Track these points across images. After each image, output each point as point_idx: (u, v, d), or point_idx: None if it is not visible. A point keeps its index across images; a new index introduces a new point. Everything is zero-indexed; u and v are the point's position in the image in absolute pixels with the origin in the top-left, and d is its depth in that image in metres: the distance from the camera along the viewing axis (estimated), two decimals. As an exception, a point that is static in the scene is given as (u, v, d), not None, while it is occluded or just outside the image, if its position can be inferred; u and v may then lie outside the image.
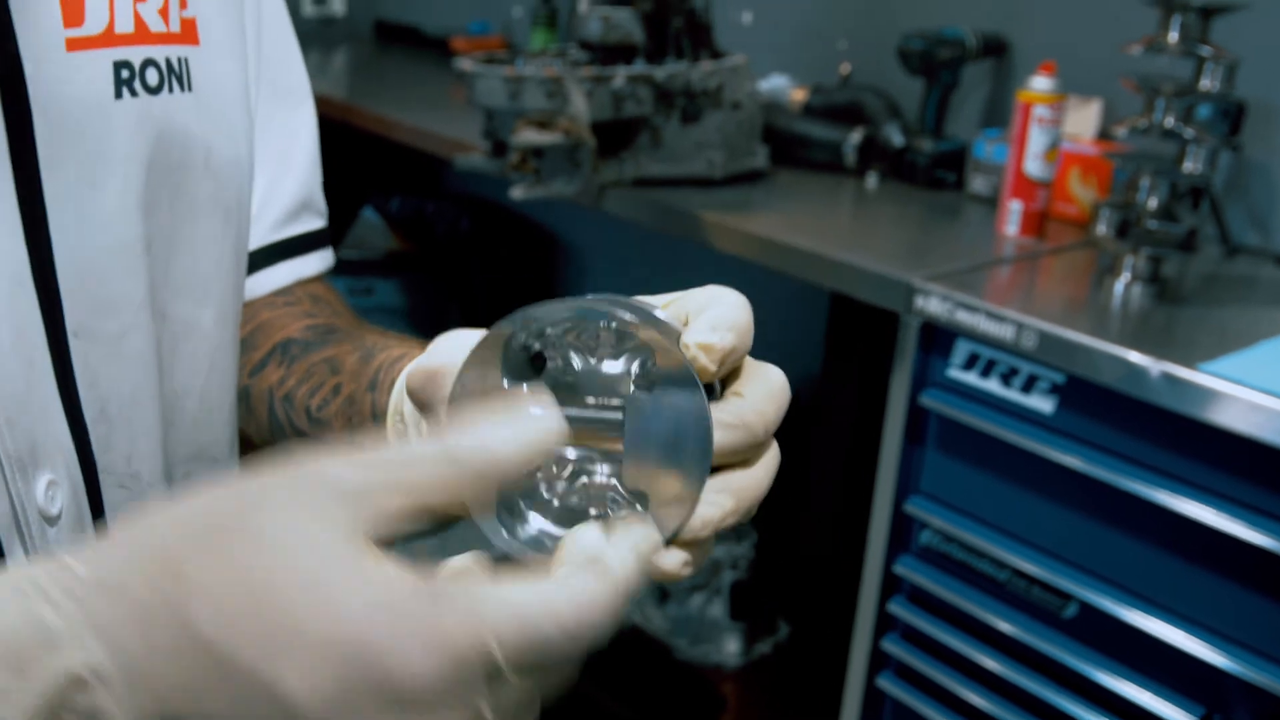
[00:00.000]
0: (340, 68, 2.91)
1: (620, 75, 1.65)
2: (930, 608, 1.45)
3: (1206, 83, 1.36)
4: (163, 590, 0.34)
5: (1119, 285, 1.41)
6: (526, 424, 0.37)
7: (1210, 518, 1.16)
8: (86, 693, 0.33)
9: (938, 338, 1.37)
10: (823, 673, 1.72)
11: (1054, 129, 1.57)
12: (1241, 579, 1.18)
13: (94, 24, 0.51)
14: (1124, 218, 1.40)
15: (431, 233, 2.87)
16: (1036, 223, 1.60)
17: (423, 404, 0.49)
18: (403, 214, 2.89)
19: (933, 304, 1.35)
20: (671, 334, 0.41)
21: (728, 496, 0.41)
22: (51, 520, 0.51)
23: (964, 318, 1.32)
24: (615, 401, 0.42)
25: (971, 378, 1.34)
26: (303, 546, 0.34)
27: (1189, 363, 1.16)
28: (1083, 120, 1.75)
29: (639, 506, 0.42)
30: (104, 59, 0.51)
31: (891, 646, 1.49)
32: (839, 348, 1.77)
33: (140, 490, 0.56)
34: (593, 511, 0.43)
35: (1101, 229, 1.41)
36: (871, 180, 1.86)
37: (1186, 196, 1.45)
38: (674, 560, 0.41)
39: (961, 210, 1.77)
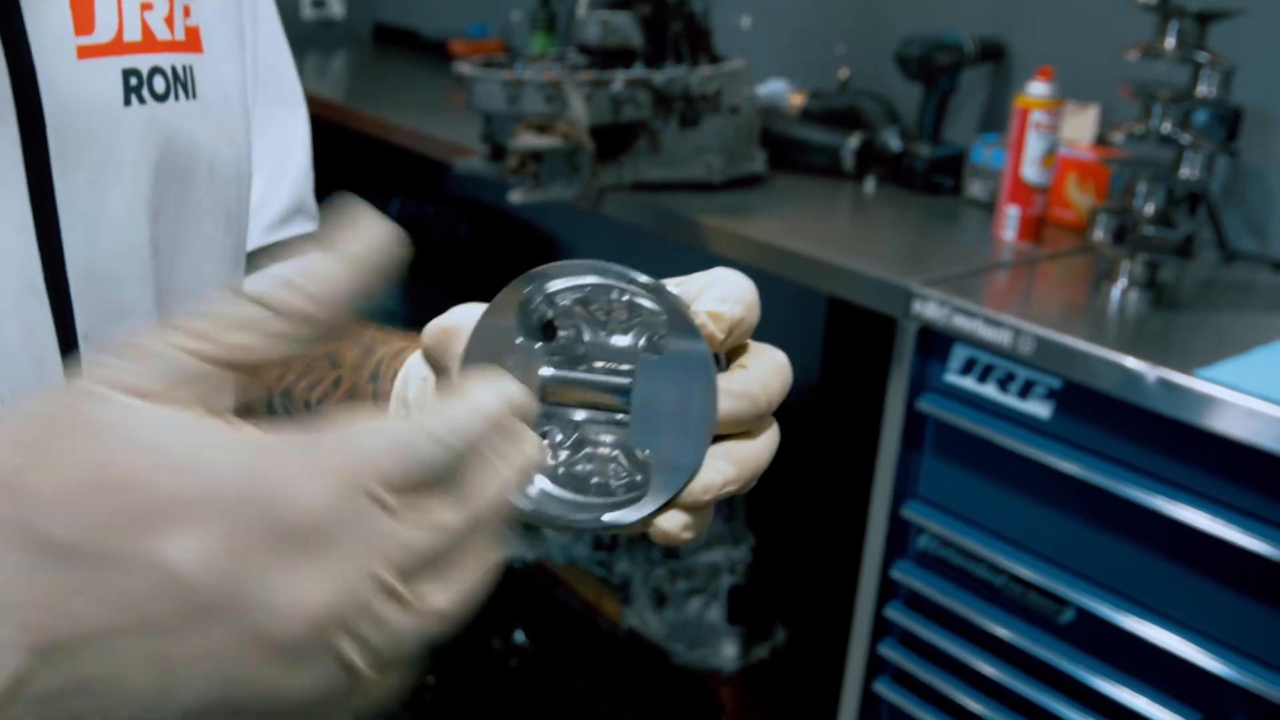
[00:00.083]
0: (339, 70, 2.92)
1: (619, 79, 1.65)
2: (927, 612, 1.45)
3: (1203, 89, 1.36)
4: (2, 513, 0.30)
5: (1116, 291, 1.42)
6: (344, 254, 0.35)
7: (1206, 523, 1.16)
8: None
9: (935, 343, 1.38)
10: (820, 677, 1.72)
11: (1051, 134, 1.57)
12: (1237, 585, 1.18)
13: (104, 32, 0.51)
14: (1121, 223, 1.40)
15: (430, 236, 2.87)
16: (1034, 228, 1.60)
17: (436, 361, 0.49)
18: (402, 217, 2.90)
19: (930, 309, 1.35)
20: (682, 301, 0.42)
21: (729, 464, 0.42)
22: None
23: (961, 323, 1.32)
24: (624, 367, 0.43)
25: (969, 383, 1.35)
26: (149, 422, 0.32)
27: (1185, 368, 1.16)
28: (1080, 126, 1.75)
29: (644, 467, 0.42)
30: (113, 67, 0.52)
31: (888, 651, 1.49)
32: (837, 352, 1.77)
33: None
34: (595, 479, 0.44)
35: (1098, 234, 1.41)
36: (869, 185, 1.86)
37: (1183, 202, 1.45)
38: (675, 521, 0.42)
39: (959, 215, 1.77)
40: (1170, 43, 1.36)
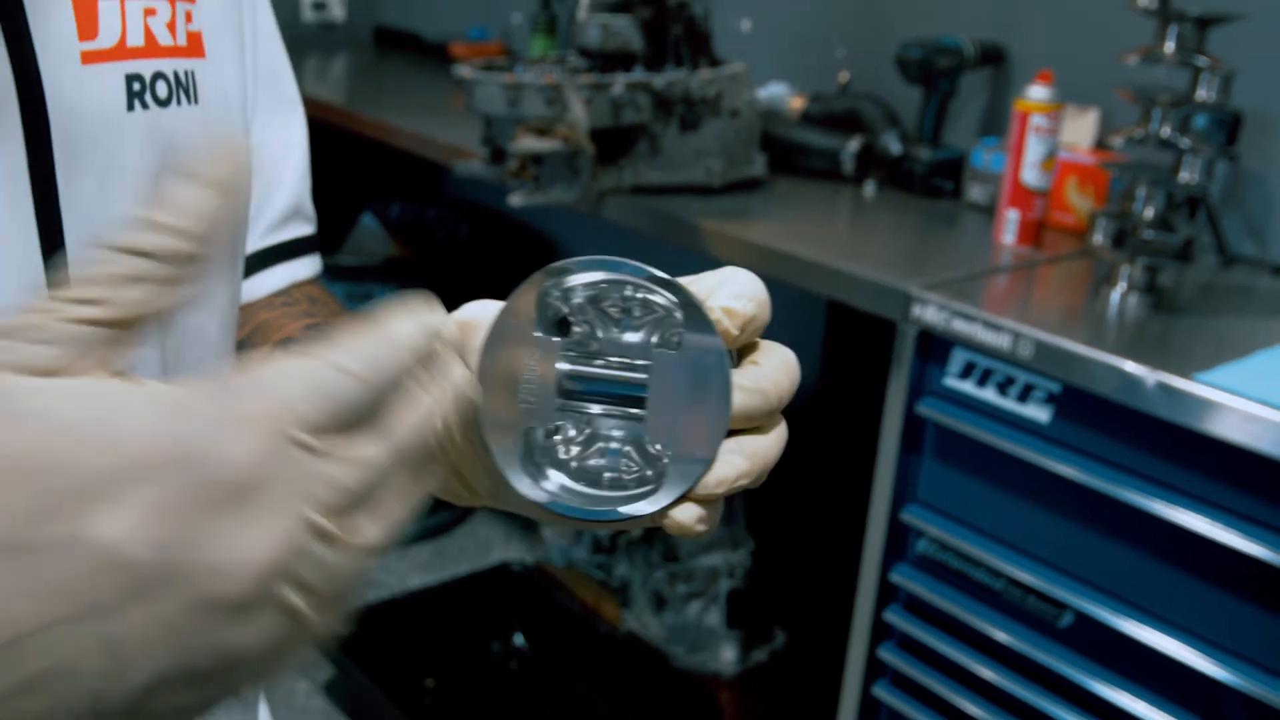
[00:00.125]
0: (340, 73, 2.92)
1: (619, 83, 1.65)
2: (926, 616, 1.45)
3: (1203, 93, 1.37)
4: None
5: (1115, 295, 1.42)
6: (209, 180, 0.34)
7: (1205, 528, 1.16)
8: None
9: (934, 346, 1.38)
10: (819, 681, 1.72)
11: (1051, 138, 1.57)
12: (1236, 589, 1.18)
13: (107, 37, 0.52)
14: (1120, 227, 1.40)
15: (431, 239, 2.87)
16: (1033, 232, 1.60)
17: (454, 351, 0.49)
18: (402, 220, 2.90)
19: (929, 313, 1.35)
20: (697, 297, 0.43)
21: (742, 458, 0.43)
22: None
23: (961, 326, 1.32)
24: (640, 363, 0.44)
25: (968, 387, 1.35)
26: (55, 399, 0.30)
27: (1185, 373, 1.16)
28: (1080, 129, 1.75)
29: (659, 460, 0.43)
30: (116, 71, 0.52)
31: (887, 655, 1.49)
32: (836, 356, 1.77)
33: None
34: (607, 474, 0.44)
35: (1098, 238, 1.41)
36: (869, 188, 1.86)
37: (1183, 206, 1.45)
38: (690, 514, 0.42)
39: (959, 219, 1.77)
40: (1170, 47, 1.36)
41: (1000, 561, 1.34)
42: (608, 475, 0.44)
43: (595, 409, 0.44)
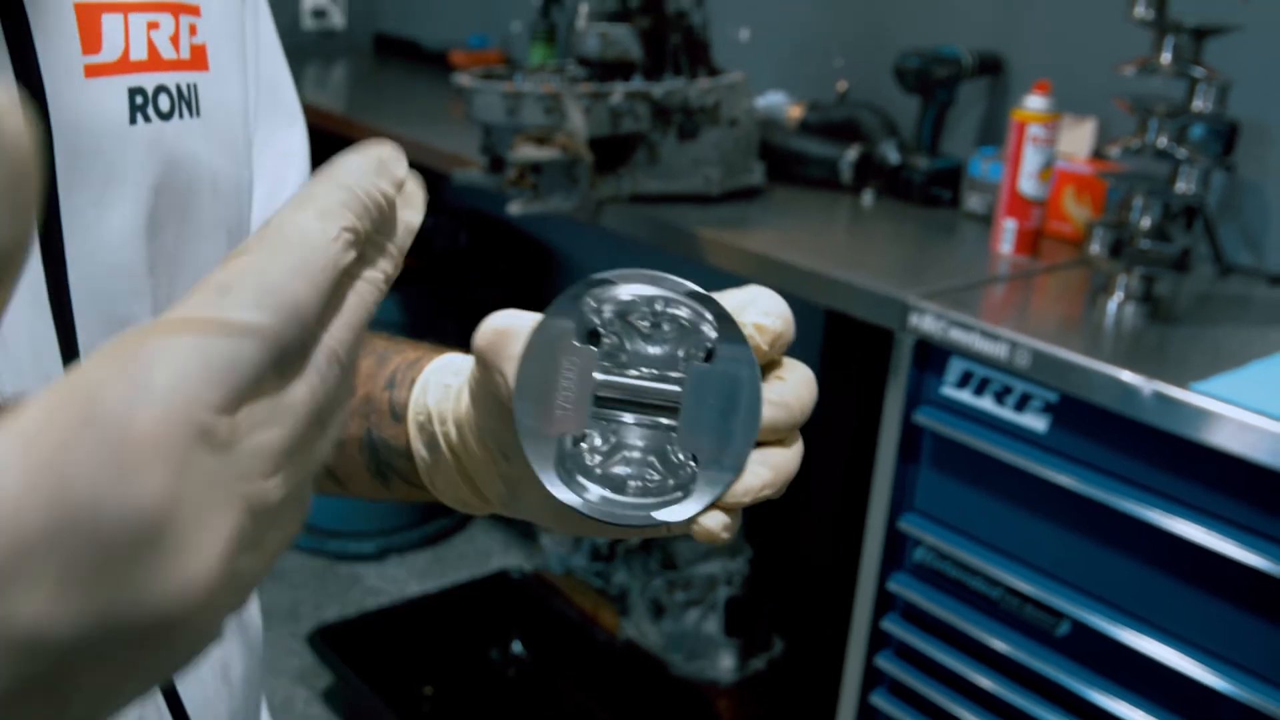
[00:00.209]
0: (339, 81, 2.93)
1: (618, 92, 1.66)
2: (924, 625, 1.45)
3: (1199, 103, 1.37)
4: None
5: (1112, 304, 1.42)
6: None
7: (1202, 537, 1.16)
8: None
9: (932, 356, 1.38)
10: (817, 689, 1.72)
11: (1048, 148, 1.58)
12: (1233, 599, 1.18)
13: (110, 51, 0.52)
14: (1117, 237, 1.40)
15: (429, 247, 2.87)
16: (1031, 241, 1.61)
17: (490, 363, 0.48)
18: (401, 227, 2.90)
19: (927, 322, 1.36)
20: (729, 312, 0.45)
21: (767, 469, 0.44)
22: None
23: (958, 336, 1.33)
24: (672, 375, 0.45)
25: (965, 396, 1.35)
26: None
27: (1181, 382, 1.17)
28: (1077, 139, 1.75)
29: (689, 467, 0.45)
30: (119, 85, 0.52)
31: (885, 663, 1.49)
32: (834, 365, 1.77)
33: None
34: (643, 472, 0.46)
35: (1095, 248, 1.42)
36: (867, 197, 1.87)
37: (1180, 216, 1.45)
38: (718, 521, 0.44)
39: (957, 228, 1.78)
40: (1167, 58, 1.37)
41: (998, 570, 1.34)
42: (633, 483, 0.46)
43: (628, 418, 0.46)
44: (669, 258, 1.71)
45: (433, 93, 2.61)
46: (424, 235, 2.89)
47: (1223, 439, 1.13)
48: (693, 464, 0.44)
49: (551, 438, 0.44)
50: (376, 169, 0.34)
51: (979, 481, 1.37)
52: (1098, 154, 1.75)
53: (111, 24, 0.52)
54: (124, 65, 0.53)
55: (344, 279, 0.32)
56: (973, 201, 1.79)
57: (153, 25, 0.54)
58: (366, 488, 0.63)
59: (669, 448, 0.45)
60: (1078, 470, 1.26)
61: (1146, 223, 1.40)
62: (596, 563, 2.33)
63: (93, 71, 0.51)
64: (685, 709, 2.10)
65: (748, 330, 0.44)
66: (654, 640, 2.17)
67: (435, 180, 2.78)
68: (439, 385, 0.57)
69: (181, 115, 0.56)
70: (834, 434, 1.75)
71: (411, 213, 0.37)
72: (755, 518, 2.21)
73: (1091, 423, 1.25)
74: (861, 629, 1.51)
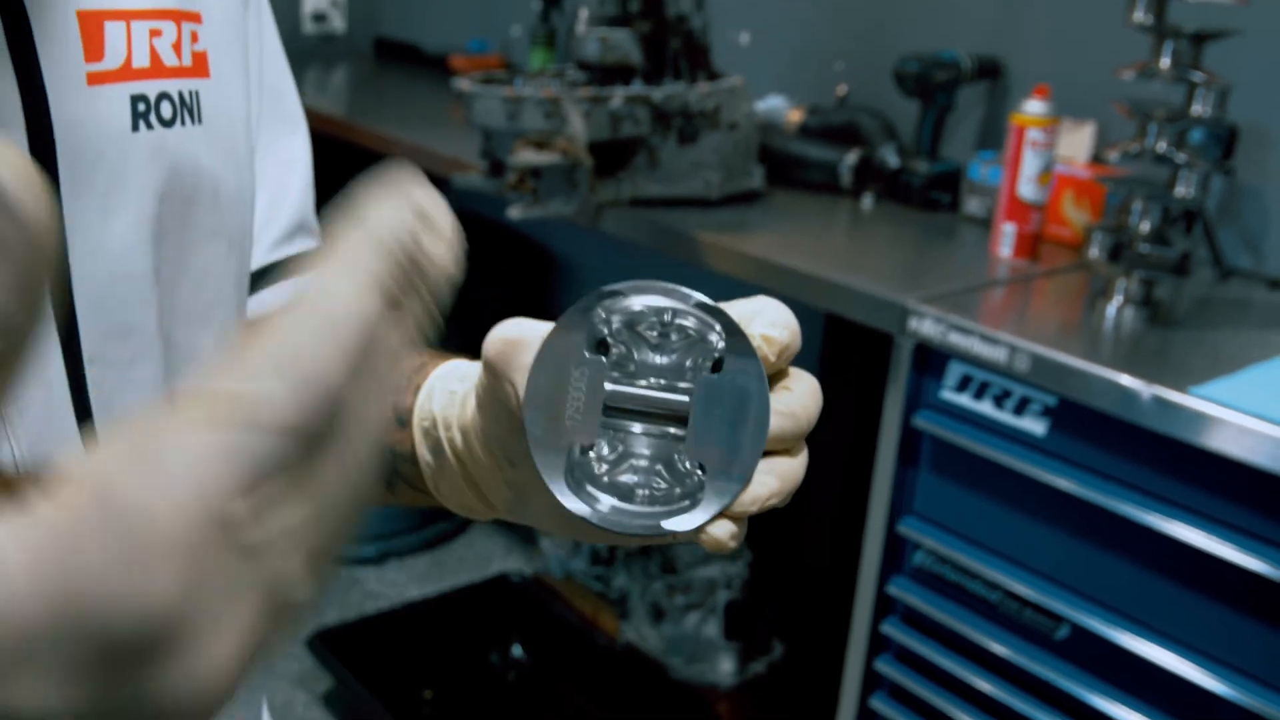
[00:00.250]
0: (340, 85, 2.93)
1: (618, 96, 1.66)
2: (923, 628, 1.45)
3: (1198, 108, 1.37)
4: None
5: (1111, 308, 1.42)
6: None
7: (1201, 541, 1.16)
8: None
9: (931, 360, 1.38)
10: (817, 692, 1.72)
11: (1048, 152, 1.58)
12: (1232, 602, 1.18)
13: (113, 59, 0.52)
14: (1117, 241, 1.41)
15: (429, 250, 2.87)
16: (1030, 245, 1.61)
17: (499, 373, 0.48)
18: (401, 231, 2.90)
19: (926, 326, 1.36)
20: (737, 322, 0.45)
21: (774, 478, 0.45)
22: None
23: (957, 340, 1.33)
24: (681, 385, 0.46)
25: (964, 400, 1.35)
26: None
27: (1180, 386, 1.17)
28: (1076, 143, 1.76)
29: (697, 476, 0.45)
30: (122, 92, 0.53)
31: (885, 667, 1.49)
32: (833, 369, 1.78)
33: None
34: (640, 492, 0.46)
35: (1094, 252, 1.42)
36: (867, 201, 1.87)
37: (1179, 220, 1.46)
38: (725, 530, 0.44)
39: (956, 232, 1.78)
40: (1166, 62, 1.37)
41: (997, 574, 1.35)
42: (640, 492, 0.46)
43: (637, 428, 0.46)
44: (669, 261, 1.71)
45: (433, 97, 2.61)
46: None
47: (1222, 443, 1.13)
48: (700, 473, 0.45)
49: (561, 447, 0.45)
50: (414, 218, 0.31)
51: (978, 485, 1.37)
52: (1097, 158, 1.75)
53: (114, 31, 0.52)
54: (126, 72, 0.53)
55: (377, 344, 0.29)
56: (972, 205, 1.80)
57: (155, 33, 0.54)
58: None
59: (677, 457, 0.46)
60: (1077, 474, 1.26)
61: (1146, 227, 1.41)
62: (596, 566, 2.33)
63: (95, 79, 0.51)
64: (685, 712, 2.10)
65: (755, 342, 0.45)
66: (654, 644, 2.17)
67: (435, 184, 2.78)
68: (444, 391, 0.58)
69: (184, 122, 0.56)
70: (834, 438, 1.76)
71: (449, 262, 0.33)
72: (755, 521, 2.20)
73: (1091, 427, 1.25)
74: (861, 632, 1.51)
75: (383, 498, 0.63)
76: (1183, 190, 1.40)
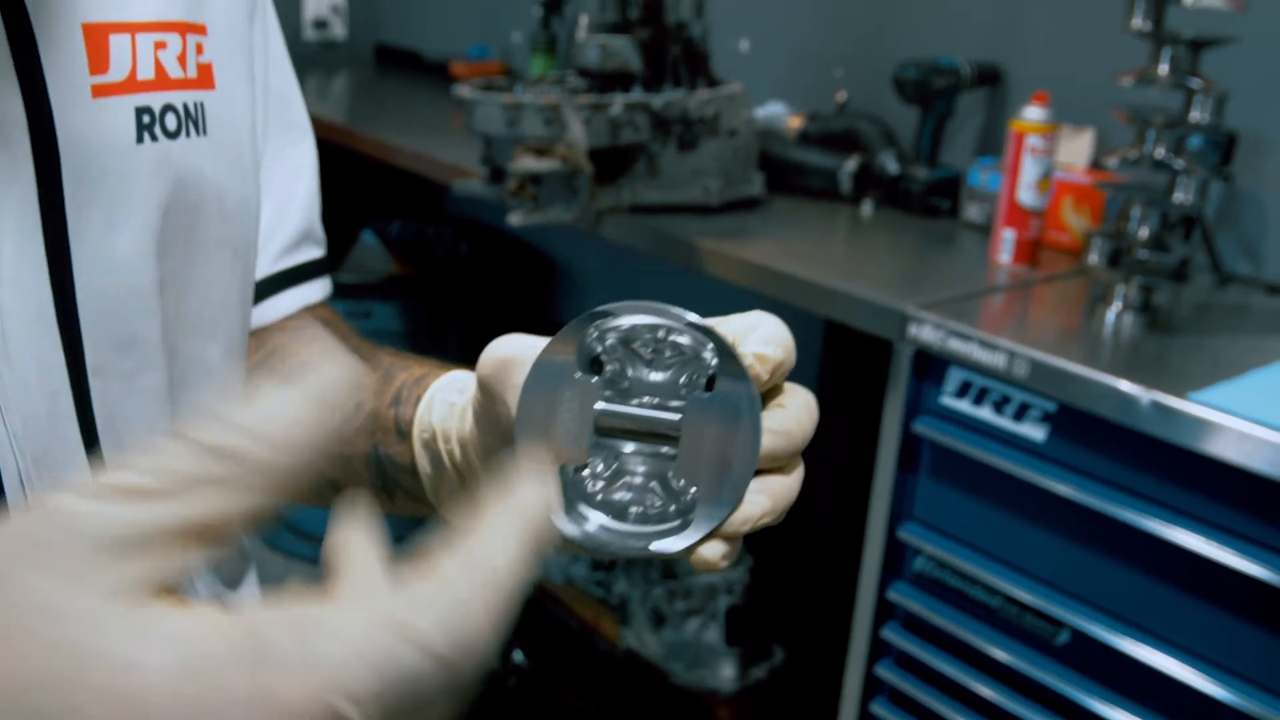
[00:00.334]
0: (341, 91, 2.93)
1: (618, 103, 1.67)
2: (923, 634, 1.45)
3: (1196, 114, 1.38)
4: None
5: (1111, 314, 1.42)
6: (309, 390, 0.30)
7: (1201, 546, 1.17)
8: None
9: (931, 366, 1.38)
10: (817, 698, 1.72)
11: (1047, 158, 1.58)
12: (1232, 608, 1.18)
13: (117, 71, 0.52)
14: (1116, 247, 1.41)
15: (431, 257, 2.88)
16: (1030, 251, 1.61)
17: (492, 390, 0.49)
18: (402, 238, 2.91)
19: (926, 332, 1.36)
20: (729, 341, 0.45)
21: (766, 497, 0.45)
22: None
23: (957, 346, 1.33)
24: (672, 403, 0.45)
25: (964, 406, 1.35)
26: (73, 624, 0.27)
27: (1180, 392, 1.17)
28: (1076, 149, 1.76)
29: (688, 496, 0.45)
30: (127, 105, 0.53)
31: (885, 672, 1.49)
32: (834, 375, 1.78)
33: None
34: (643, 500, 0.46)
35: (1093, 258, 1.42)
36: (867, 207, 1.87)
37: (1178, 226, 1.46)
38: (716, 551, 0.44)
39: (956, 238, 1.78)
40: (1164, 69, 1.37)
41: (997, 579, 1.35)
42: (634, 509, 0.46)
43: (629, 446, 0.46)
44: (669, 268, 1.72)
45: (433, 103, 2.62)
46: (425, 245, 2.90)
47: (1221, 448, 1.13)
48: (694, 491, 0.45)
49: (553, 467, 0.45)
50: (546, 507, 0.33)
51: (978, 491, 1.37)
52: (1096, 164, 1.75)
53: (119, 44, 0.52)
54: (131, 85, 0.53)
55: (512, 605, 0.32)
56: (971, 211, 1.80)
57: (160, 45, 0.54)
58: (376, 503, 0.64)
59: (670, 475, 0.46)
60: (1076, 479, 1.26)
61: (1145, 233, 1.41)
62: (597, 572, 2.33)
63: (100, 91, 0.52)
64: (686, 718, 2.10)
65: (748, 360, 0.44)
66: (655, 649, 2.18)
67: (436, 191, 2.79)
68: (444, 403, 0.58)
69: (188, 134, 0.56)
70: (833, 444, 1.76)
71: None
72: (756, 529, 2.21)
73: (1090, 432, 1.25)
74: (861, 638, 1.52)
75: (384, 508, 0.63)
76: (1181, 196, 1.40)
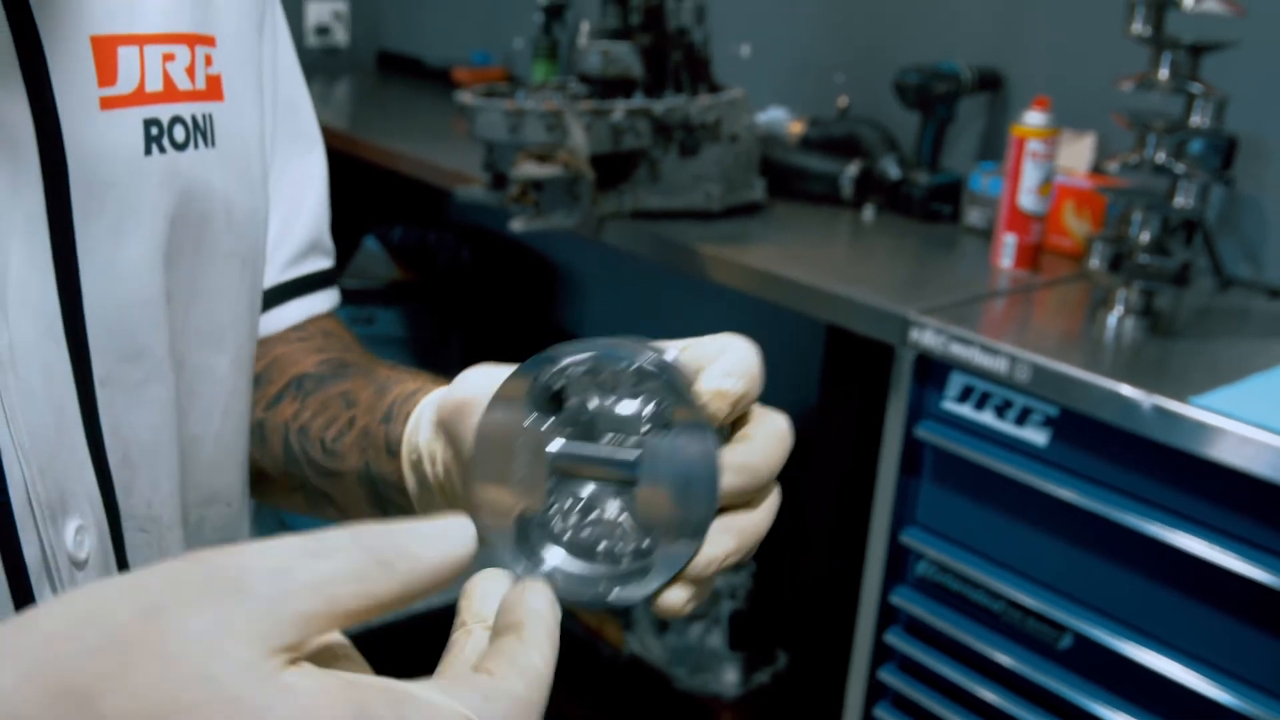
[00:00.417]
0: (343, 98, 2.94)
1: (619, 109, 1.67)
2: (926, 638, 1.45)
3: (1197, 118, 1.38)
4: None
5: (1112, 318, 1.43)
6: (448, 536, 0.37)
7: (1203, 550, 1.17)
8: None
9: (932, 370, 1.39)
10: (821, 702, 1.72)
11: (1048, 163, 1.58)
12: (1235, 611, 1.18)
13: (126, 83, 0.52)
14: (1117, 251, 1.41)
15: (433, 263, 2.89)
16: (1031, 256, 1.61)
17: (451, 434, 0.50)
18: (404, 244, 2.91)
19: (927, 337, 1.36)
20: (685, 379, 0.43)
21: (731, 537, 0.43)
22: (80, 565, 0.51)
23: (958, 350, 1.33)
24: (631, 440, 0.44)
25: (966, 410, 1.35)
26: (217, 667, 0.31)
27: (1181, 396, 1.17)
28: (1077, 154, 1.76)
29: (648, 540, 0.44)
30: (135, 117, 0.53)
31: (888, 677, 1.49)
32: (835, 380, 1.78)
33: (160, 533, 0.57)
34: (602, 545, 0.45)
35: (1095, 262, 1.42)
36: (868, 213, 1.88)
37: (1179, 230, 1.46)
38: (678, 598, 0.43)
39: (957, 243, 1.78)
40: (1164, 73, 1.37)
41: (999, 584, 1.35)
42: (603, 544, 0.44)
43: (588, 488, 0.45)
44: (670, 273, 1.72)
45: (436, 109, 2.62)
46: (427, 251, 2.90)
47: (1223, 453, 1.13)
48: (654, 534, 0.43)
49: (512, 513, 0.44)
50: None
51: (980, 495, 1.37)
52: (1097, 169, 1.76)
53: (127, 56, 0.52)
54: (139, 97, 0.53)
55: None
56: (973, 216, 1.80)
57: (168, 57, 0.54)
58: (367, 517, 0.64)
59: (633, 515, 0.44)
60: (1078, 484, 1.26)
61: (1146, 237, 1.41)
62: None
63: (108, 103, 0.51)
64: (689, 723, 2.10)
65: (705, 398, 0.43)
66: (658, 654, 2.18)
67: (438, 197, 2.79)
68: (430, 423, 0.58)
69: (197, 145, 0.56)
70: (836, 448, 1.76)
71: None
72: (761, 542, 2.21)
73: (1092, 437, 1.25)
74: (865, 642, 1.52)
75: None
76: (1182, 200, 1.40)
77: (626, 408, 0.44)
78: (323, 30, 3.16)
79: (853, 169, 1.88)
